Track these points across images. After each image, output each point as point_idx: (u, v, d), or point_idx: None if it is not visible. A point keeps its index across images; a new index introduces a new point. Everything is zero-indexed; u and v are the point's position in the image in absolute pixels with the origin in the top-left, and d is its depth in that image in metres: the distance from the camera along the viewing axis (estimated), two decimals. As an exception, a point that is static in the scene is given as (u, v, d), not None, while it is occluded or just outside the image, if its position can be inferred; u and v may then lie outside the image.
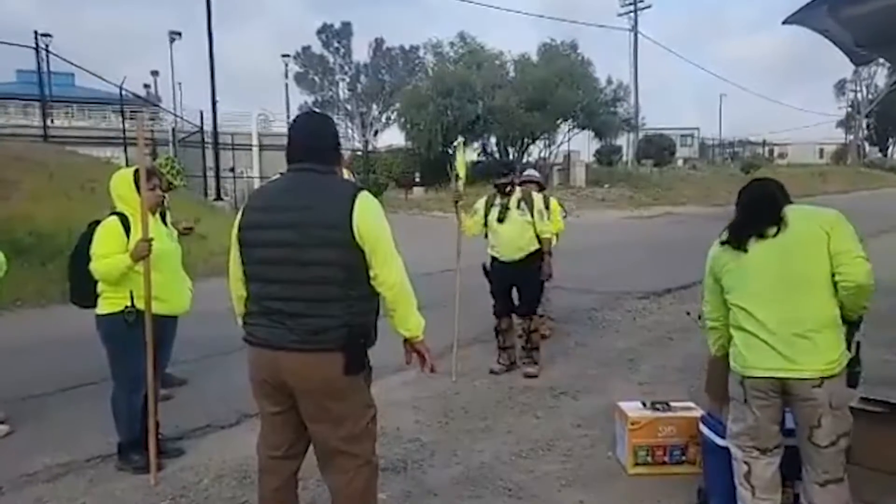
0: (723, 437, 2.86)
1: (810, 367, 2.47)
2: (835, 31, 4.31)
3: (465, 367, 5.39)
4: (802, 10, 4.12)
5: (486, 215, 5.35)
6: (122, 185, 3.63)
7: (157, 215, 3.73)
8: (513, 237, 5.23)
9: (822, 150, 56.43)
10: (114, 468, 3.69)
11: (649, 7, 35.79)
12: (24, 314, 7.87)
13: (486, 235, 5.41)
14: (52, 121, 23.98)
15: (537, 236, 5.25)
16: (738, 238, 2.63)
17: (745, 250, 2.60)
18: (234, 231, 2.45)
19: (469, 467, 3.69)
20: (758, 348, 2.52)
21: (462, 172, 5.39)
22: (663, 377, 5.28)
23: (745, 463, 2.67)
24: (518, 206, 5.22)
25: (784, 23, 4.38)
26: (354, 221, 2.27)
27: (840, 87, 55.29)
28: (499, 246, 5.32)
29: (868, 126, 55.09)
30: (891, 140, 57.88)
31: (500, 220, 5.24)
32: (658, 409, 3.63)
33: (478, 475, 3.59)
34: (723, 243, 2.70)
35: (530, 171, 6.85)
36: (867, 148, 57.36)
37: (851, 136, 55.55)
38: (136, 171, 3.55)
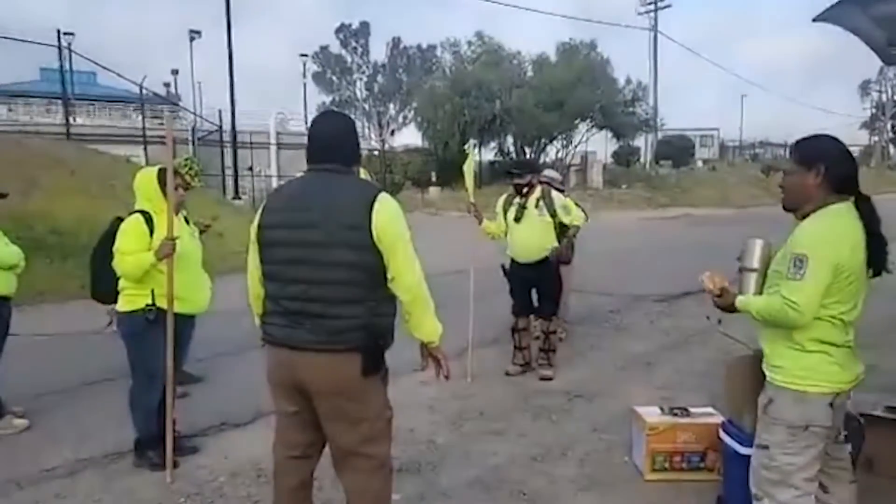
0: (744, 444, 2.81)
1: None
2: (867, 30, 4.23)
3: (480, 369, 5.37)
4: (834, 7, 4.05)
5: (505, 215, 5.32)
6: (146, 183, 3.66)
7: (181, 214, 3.76)
8: (531, 238, 5.17)
9: (845, 153, 55.56)
10: (131, 464, 3.72)
11: (669, 6, 35.58)
12: (44, 310, 7.96)
13: (506, 235, 5.37)
14: (73, 119, 24.36)
15: (558, 236, 5.21)
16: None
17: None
18: (253, 230, 2.45)
19: (483, 470, 3.67)
20: (850, 360, 2.34)
21: (470, 182, 5.37)
22: (682, 382, 5.22)
23: (813, 496, 2.36)
24: (536, 206, 5.16)
25: (814, 20, 4.30)
26: (374, 223, 2.26)
27: (864, 89, 54.48)
28: (516, 247, 5.27)
29: (893, 128, 54.17)
30: (917, 143, 56.96)
31: (517, 219, 5.19)
32: (677, 415, 3.59)
33: (492, 478, 3.57)
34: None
35: (549, 173, 6.79)
36: (892, 150, 56.42)
37: (876, 138, 54.70)
38: (160, 171, 3.58)
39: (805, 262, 2.17)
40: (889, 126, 53.27)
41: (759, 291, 2.42)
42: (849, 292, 2.24)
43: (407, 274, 2.34)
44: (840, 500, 2.46)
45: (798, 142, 2.44)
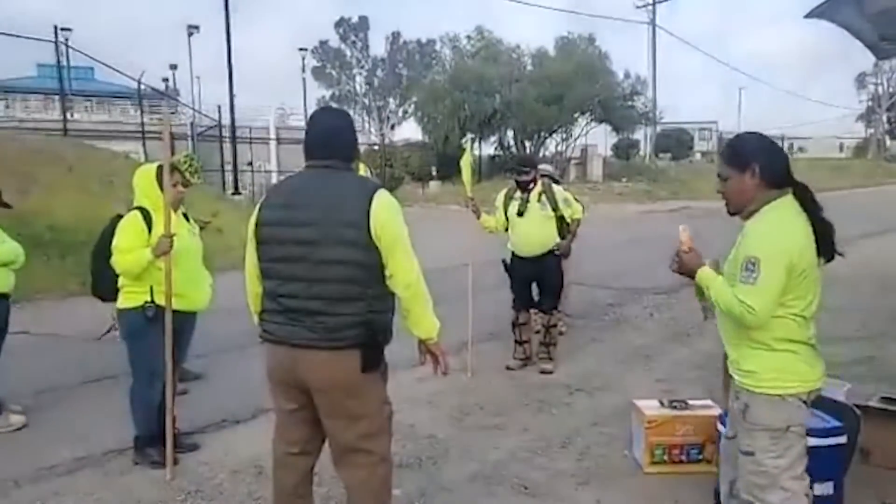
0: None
1: None
2: (858, 25, 4.25)
3: (480, 364, 5.37)
4: (825, 3, 4.06)
5: (505, 210, 5.31)
6: (145, 180, 3.65)
7: (180, 211, 3.74)
8: (533, 232, 5.18)
9: (842, 145, 55.55)
10: (130, 462, 3.72)
11: (667, 0, 35.45)
12: (42, 307, 7.96)
13: (507, 230, 5.37)
14: (71, 115, 24.27)
15: (559, 229, 5.21)
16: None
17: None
18: (251, 228, 2.44)
19: (484, 464, 3.67)
20: (815, 357, 2.33)
21: (467, 177, 5.36)
22: (681, 374, 5.22)
23: (806, 495, 2.34)
24: (539, 200, 5.17)
25: (806, 17, 4.31)
26: (372, 220, 2.26)
27: (860, 81, 54.29)
28: (518, 241, 5.27)
29: (889, 120, 54.09)
30: (912, 134, 56.89)
31: (520, 213, 5.19)
32: (675, 408, 3.60)
33: (493, 472, 3.57)
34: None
35: (544, 166, 6.79)
36: (888, 142, 56.33)
37: (872, 130, 54.63)
38: (159, 168, 3.57)
39: (757, 264, 2.17)
40: (885, 118, 53.18)
41: None
42: (804, 287, 2.24)
43: (405, 271, 2.34)
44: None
45: (726, 145, 2.47)
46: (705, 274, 2.34)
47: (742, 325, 2.24)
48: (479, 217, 5.34)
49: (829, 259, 2.33)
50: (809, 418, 2.29)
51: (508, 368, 5.37)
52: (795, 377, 2.25)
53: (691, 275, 2.38)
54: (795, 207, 2.27)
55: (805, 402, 2.28)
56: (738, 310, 2.19)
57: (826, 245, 2.29)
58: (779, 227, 2.22)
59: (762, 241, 2.20)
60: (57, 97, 24.21)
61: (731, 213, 2.37)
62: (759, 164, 2.26)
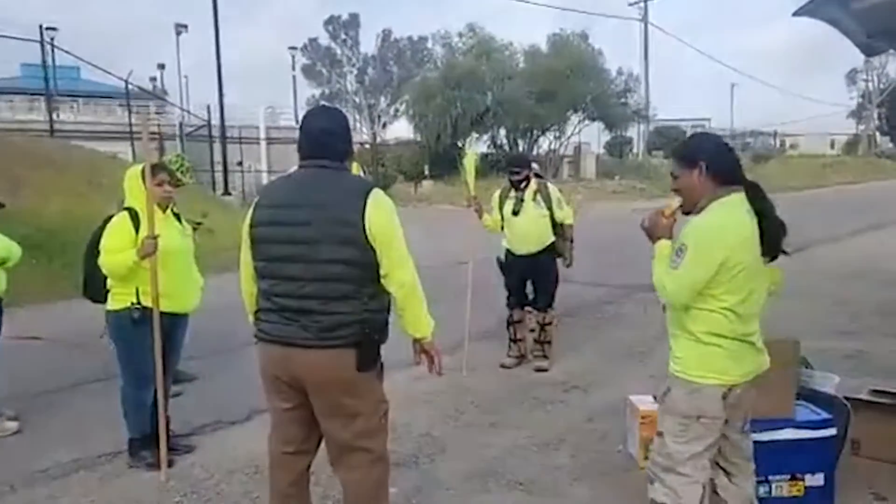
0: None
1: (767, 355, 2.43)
2: (846, 23, 4.28)
3: (475, 362, 5.37)
4: (813, 1, 4.09)
5: (500, 208, 5.33)
6: (131, 180, 3.62)
7: (169, 212, 3.72)
8: (528, 230, 5.20)
9: (833, 141, 55.86)
10: (125, 465, 3.70)
11: (659, -3, 35.52)
12: (32, 310, 7.90)
13: (502, 228, 5.39)
14: (57, 115, 24.01)
15: (553, 229, 5.22)
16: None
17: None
18: (246, 227, 2.43)
19: (480, 462, 3.68)
20: (746, 353, 2.35)
21: (471, 181, 5.39)
22: (674, 371, 5.23)
23: (703, 485, 2.37)
24: (534, 199, 5.20)
25: (795, 14, 4.34)
26: (367, 219, 2.26)
27: (851, 78, 54.64)
28: (514, 239, 5.30)
29: (879, 116, 54.40)
30: (902, 130, 57.25)
31: (515, 212, 5.22)
32: (670, 404, 3.60)
33: (489, 469, 3.58)
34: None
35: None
36: (878, 138, 56.71)
37: (863, 127, 54.98)
38: (145, 167, 3.54)
39: (684, 252, 2.24)
40: (876, 114, 53.49)
41: None
42: (738, 283, 2.26)
43: (400, 270, 2.34)
44: (743, 490, 2.49)
45: (677, 145, 2.56)
46: (661, 245, 2.40)
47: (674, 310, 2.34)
48: (481, 216, 5.36)
49: (773, 258, 2.36)
50: (724, 412, 2.33)
51: (503, 366, 5.38)
52: (715, 370, 2.30)
53: (653, 238, 2.43)
54: (743, 205, 2.31)
55: (724, 397, 2.31)
56: (658, 283, 2.33)
57: (771, 244, 2.32)
58: (718, 221, 2.28)
59: (696, 232, 2.27)
60: (42, 97, 23.97)
61: (685, 213, 2.41)
62: (705, 162, 2.33)
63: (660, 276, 2.32)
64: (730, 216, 2.28)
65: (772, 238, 2.32)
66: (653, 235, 2.42)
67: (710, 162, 2.33)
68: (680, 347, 2.38)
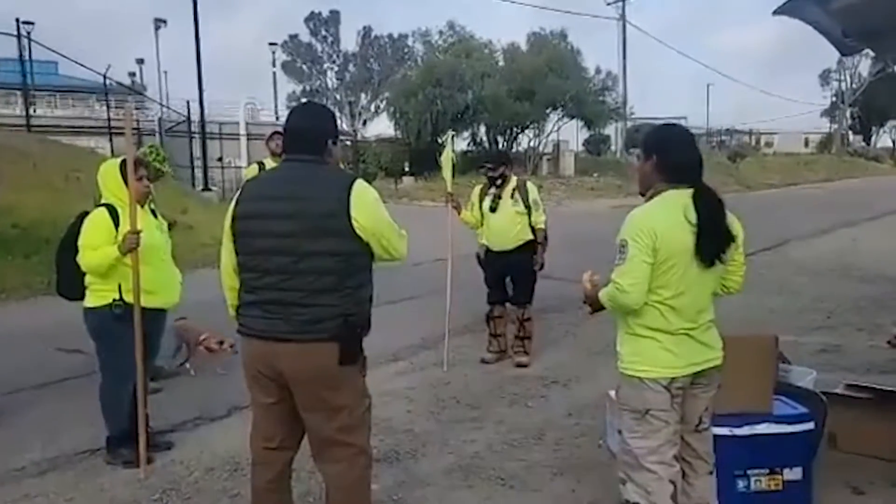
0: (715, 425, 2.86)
1: (720, 351, 2.45)
2: (823, 23, 4.34)
3: (456, 357, 5.39)
4: (792, 1, 4.15)
5: (479, 205, 5.35)
6: (109, 175, 3.57)
7: (147, 207, 3.68)
8: (505, 227, 5.22)
9: (807, 140, 56.72)
10: (102, 462, 3.65)
11: (637, -4, 35.72)
12: (8, 307, 7.78)
13: (482, 224, 5.40)
14: (34, 110, 23.61)
15: (531, 226, 5.25)
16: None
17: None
18: (228, 221, 2.42)
19: (461, 457, 3.69)
20: (685, 346, 2.35)
21: (448, 173, 5.37)
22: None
23: (672, 482, 2.38)
24: (512, 196, 5.21)
25: (774, 13, 4.40)
26: (352, 210, 2.27)
27: (825, 77, 55.41)
28: (491, 236, 5.31)
29: (852, 115, 55.29)
30: (874, 129, 58.22)
31: (493, 209, 5.24)
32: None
33: (470, 465, 3.60)
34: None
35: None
36: (851, 137, 57.65)
37: (836, 126, 55.85)
38: (123, 162, 3.49)
39: (626, 246, 2.31)
40: (848, 114, 54.34)
41: None
42: (671, 279, 2.30)
43: (399, 248, 2.43)
44: (698, 491, 2.51)
45: (648, 130, 2.61)
46: (601, 293, 2.47)
47: (623, 310, 2.37)
48: (459, 213, 5.36)
49: (710, 264, 2.33)
50: (671, 405, 2.35)
51: (484, 362, 5.40)
52: (653, 363, 2.34)
53: (594, 301, 2.54)
54: (682, 202, 2.32)
55: (668, 389, 2.33)
56: (612, 292, 2.35)
57: (707, 248, 2.30)
58: (648, 213, 2.35)
59: (630, 226, 2.34)
60: (19, 92, 23.56)
61: (641, 194, 2.49)
62: (657, 156, 2.40)
63: (609, 289, 2.36)
64: (661, 209, 2.34)
65: (707, 244, 2.30)
66: (593, 300, 2.53)
67: (661, 157, 2.39)
68: (621, 343, 2.44)
